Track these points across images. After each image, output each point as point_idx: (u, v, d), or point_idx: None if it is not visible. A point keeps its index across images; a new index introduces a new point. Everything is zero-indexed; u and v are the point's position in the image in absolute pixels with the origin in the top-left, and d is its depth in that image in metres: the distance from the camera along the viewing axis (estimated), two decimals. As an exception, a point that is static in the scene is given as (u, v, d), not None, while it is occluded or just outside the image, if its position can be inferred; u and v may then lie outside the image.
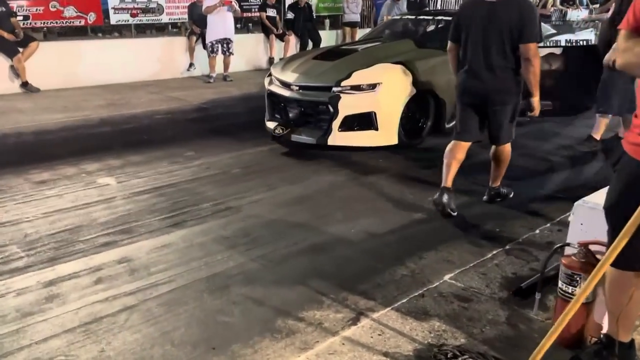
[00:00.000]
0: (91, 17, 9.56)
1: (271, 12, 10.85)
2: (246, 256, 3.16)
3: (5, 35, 7.68)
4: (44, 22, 9.17)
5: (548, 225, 3.56)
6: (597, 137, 5.27)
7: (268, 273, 2.98)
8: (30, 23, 8.90)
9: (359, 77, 4.98)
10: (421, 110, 5.32)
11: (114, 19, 9.82)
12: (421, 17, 6.77)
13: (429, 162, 4.77)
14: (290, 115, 5.31)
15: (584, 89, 5.19)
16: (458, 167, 3.75)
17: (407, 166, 4.88)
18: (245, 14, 11.20)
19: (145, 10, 10.03)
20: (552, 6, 11.19)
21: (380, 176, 4.58)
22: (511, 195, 3.99)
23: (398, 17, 7.48)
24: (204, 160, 4.91)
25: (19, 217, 3.68)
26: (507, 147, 3.76)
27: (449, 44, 3.80)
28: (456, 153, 3.72)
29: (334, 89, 4.96)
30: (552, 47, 5.90)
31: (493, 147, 3.79)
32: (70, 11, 9.26)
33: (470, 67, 3.59)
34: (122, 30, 10.56)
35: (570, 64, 5.43)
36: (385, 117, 4.98)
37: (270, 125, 5.34)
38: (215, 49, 9.22)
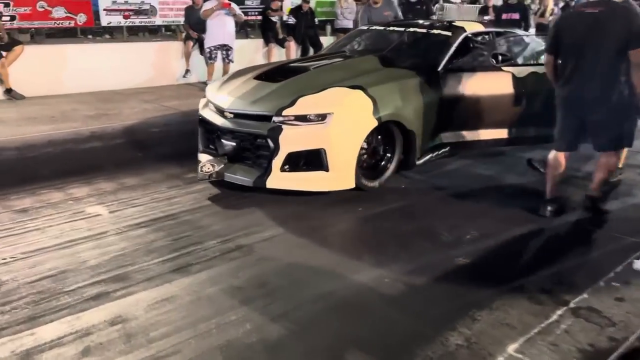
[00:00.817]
0: (81, 19, 9.03)
1: (273, 18, 10.36)
2: (265, 315, 2.64)
3: None
4: (31, 23, 8.60)
5: (612, 274, 3.08)
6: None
7: (294, 340, 2.47)
8: (17, 24, 8.33)
9: (306, 104, 3.88)
10: (385, 145, 4.28)
11: (105, 20, 9.31)
12: (394, 27, 5.46)
13: (456, 189, 4.35)
14: (225, 148, 4.18)
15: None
16: (560, 177, 3.89)
17: (432, 193, 4.38)
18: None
19: (138, 12, 9.52)
20: (550, 15, 10.76)
21: (403, 207, 4.08)
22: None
23: (366, 27, 6.00)
24: (205, 185, 4.37)
25: (-7, 258, 3.14)
26: (613, 156, 3.82)
27: (546, 56, 3.84)
28: (556, 164, 3.83)
29: (275, 118, 3.87)
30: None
31: (600, 154, 3.84)
32: (59, 12, 8.72)
33: (573, 77, 3.60)
34: (113, 33, 9.98)
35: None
36: (338, 156, 3.87)
37: (202, 158, 4.28)
38: (213, 56, 8.69)
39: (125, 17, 9.43)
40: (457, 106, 4.56)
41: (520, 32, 5.88)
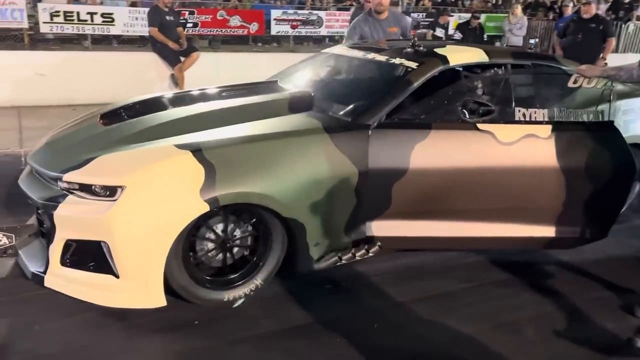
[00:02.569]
0: (253, 27, 9.97)
1: (439, 32, 9.61)
2: None
3: (170, 44, 8.23)
4: (210, 30, 9.92)
5: None
6: None
7: None
8: (199, 30, 9.70)
9: (100, 167, 2.60)
10: (257, 235, 2.85)
11: (275, 30, 10.05)
12: (354, 52, 3.79)
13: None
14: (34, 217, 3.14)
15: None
16: None
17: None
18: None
19: (305, 23, 10.01)
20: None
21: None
22: None
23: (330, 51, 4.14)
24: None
25: None
26: None
27: None
28: None
29: (60, 184, 2.63)
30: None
31: None
32: (235, 20, 9.81)
33: None
34: (280, 41, 10.75)
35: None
36: (130, 255, 2.46)
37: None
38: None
39: (293, 27, 10.05)
40: (398, 182, 2.94)
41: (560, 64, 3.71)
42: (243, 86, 3.81)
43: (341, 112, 3.10)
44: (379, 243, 2.99)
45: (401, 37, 4.79)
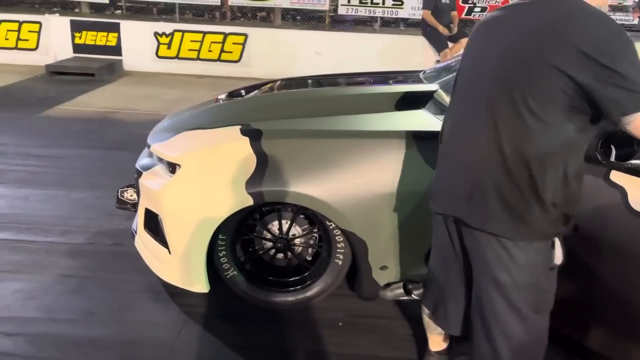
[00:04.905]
0: None
1: None
2: None
3: (440, 28, 8.00)
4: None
5: None
6: None
7: None
8: (478, 15, 9.05)
9: (177, 143, 2.52)
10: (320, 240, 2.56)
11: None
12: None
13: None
14: None
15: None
16: None
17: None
18: None
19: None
20: None
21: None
22: None
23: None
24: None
25: None
26: None
27: None
28: None
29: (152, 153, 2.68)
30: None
31: None
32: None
33: None
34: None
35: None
36: (176, 234, 2.38)
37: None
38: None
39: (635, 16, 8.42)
40: None
41: None
42: (386, 74, 3.45)
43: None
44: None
45: None
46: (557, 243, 1.55)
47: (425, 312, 1.98)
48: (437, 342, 2.09)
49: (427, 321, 2.01)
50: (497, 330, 1.60)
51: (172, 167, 2.42)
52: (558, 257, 1.56)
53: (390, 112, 2.57)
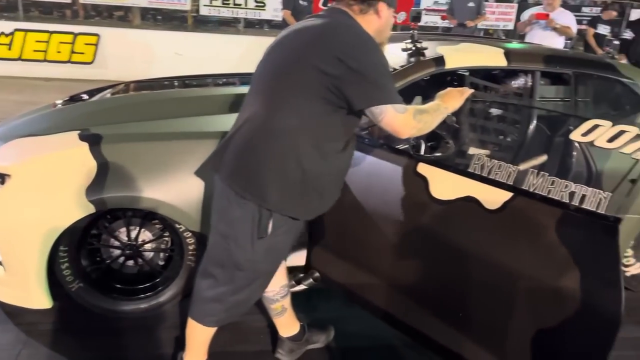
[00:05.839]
0: (400, 17, 9.38)
1: (603, 30, 7.84)
2: None
3: None
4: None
5: None
6: None
7: None
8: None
9: (6, 150, 2.36)
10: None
11: (424, 20, 9.33)
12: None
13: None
14: None
15: None
16: None
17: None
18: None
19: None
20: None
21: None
22: None
23: None
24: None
25: None
26: None
27: None
28: None
29: None
30: None
31: None
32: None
33: None
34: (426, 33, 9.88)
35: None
36: (10, 249, 2.22)
37: None
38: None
39: (443, 18, 9.19)
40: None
41: None
42: (243, 75, 3.45)
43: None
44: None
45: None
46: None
47: (266, 299, 2.11)
48: (285, 327, 2.22)
49: (268, 307, 2.15)
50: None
51: (2, 178, 2.23)
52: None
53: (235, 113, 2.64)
